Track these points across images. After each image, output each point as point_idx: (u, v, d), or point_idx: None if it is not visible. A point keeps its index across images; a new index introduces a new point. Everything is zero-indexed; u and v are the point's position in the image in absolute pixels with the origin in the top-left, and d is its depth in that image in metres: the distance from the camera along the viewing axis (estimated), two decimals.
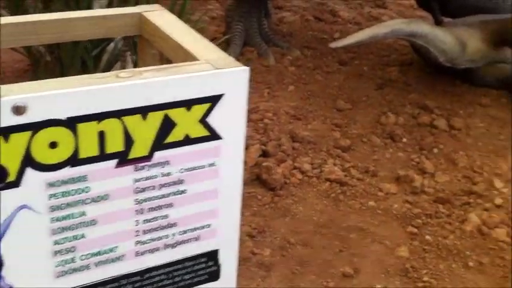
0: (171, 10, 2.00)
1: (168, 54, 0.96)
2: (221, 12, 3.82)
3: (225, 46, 3.24)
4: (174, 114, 0.78)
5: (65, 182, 0.73)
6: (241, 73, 0.82)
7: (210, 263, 0.89)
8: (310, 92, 2.89)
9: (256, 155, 2.33)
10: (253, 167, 2.28)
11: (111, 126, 0.74)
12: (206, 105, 0.80)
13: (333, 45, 2.50)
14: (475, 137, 2.51)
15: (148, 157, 0.77)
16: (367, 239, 1.99)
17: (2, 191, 0.70)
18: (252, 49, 3.24)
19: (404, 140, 2.50)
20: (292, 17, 4.13)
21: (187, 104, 0.78)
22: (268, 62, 3.13)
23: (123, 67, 1.99)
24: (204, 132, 0.81)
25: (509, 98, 2.77)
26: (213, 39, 3.39)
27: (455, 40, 2.64)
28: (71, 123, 0.71)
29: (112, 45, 1.96)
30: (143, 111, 0.75)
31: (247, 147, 2.39)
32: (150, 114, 0.76)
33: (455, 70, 2.81)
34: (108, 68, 1.99)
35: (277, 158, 2.32)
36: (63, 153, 0.72)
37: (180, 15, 2.01)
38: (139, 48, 1.09)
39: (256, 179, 2.24)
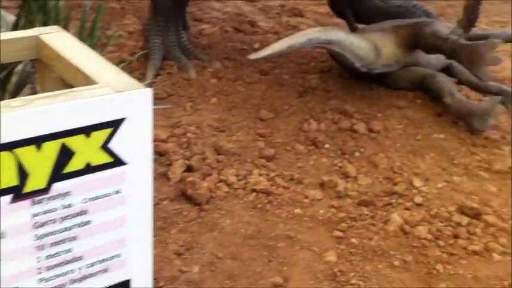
0: (82, 26, 1.94)
1: (68, 78, 0.93)
2: (139, 26, 3.75)
3: (145, 61, 3.19)
4: (72, 142, 0.74)
5: None
6: (143, 95, 0.80)
7: None
8: (233, 104, 2.89)
9: (181, 171, 2.30)
10: (178, 183, 2.25)
11: (3, 159, 0.69)
12: (107, 131, 0.77)
13: (252, 56, 2.51)
14: (393, 139, 2.59)
15: (46, 189, 0.74)
16: (295, 246, 2.00)
17: None
18: (172, 63, 3.21)
19: (327, 145, 2.54)
20: (211, 29, 4.12)
21: (86, 130, 0.75)
22: (189, 75, 3.11)
23: (34, 89, 1.91)
24: (107, 159, 0.78)
25: (424, 99, 2.88)
26: (131, 54, 3.33)
27: (370, 45, 2.72)
28: None
29: (20, 67, 1.88)
30: (37, 141, 0.71)
31: (171, 163, 2.36)
32: (45, 145, 0.72)
33: (372, 75, 2.90)
34: (17, 91, 1.90)
35: (202, 172, 2.30)
36: None
37: (92, 30, 1.95)
38: (39, 72, 1.04)
39: (181, 195, 2.20)
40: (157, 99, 2.87)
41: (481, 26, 4.77)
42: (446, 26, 2.76)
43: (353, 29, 3.18)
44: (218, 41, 3.75)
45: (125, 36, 3.62)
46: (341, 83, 3.05)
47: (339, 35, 2.53)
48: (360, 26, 3.24)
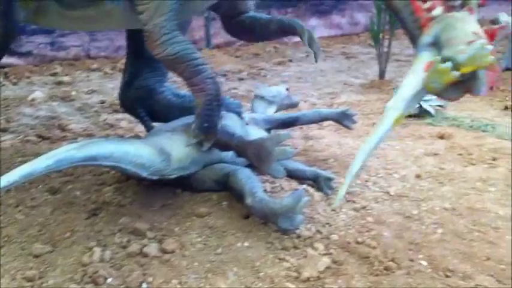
0: None
1: None
2: None
3: None
4: None
5: None
6: None
7: None
8: (6, 239, 2.39)
9: None
10: None
11: None
12: None
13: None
14: (190, 257, 2.21)
15: None
16: None
17: None
18: None
19: (110, 279, 2.10)
20: (11, 141, 3.63)
21: None
22: None
23: None
24: None
25: (230, 200, 2.57)
26: None
27: (153, 151, 2.39)
28: None
29: None
30: None
31: None
32: None
33: (175, 179, 2.55)
34: None
35: None
36: None
37: None
38: None
39: None
40: None
41: (312, 100, 4.70)
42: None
43: (148, 129, 2.84)
44: (10, 156, 3.25)
45: None
46: (139, 193, 2.66)
47: (106, 148, 2.16)
48: (156, 124, 2.92)
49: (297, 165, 2.97)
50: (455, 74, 1.98)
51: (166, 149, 2.44)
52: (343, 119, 3.32)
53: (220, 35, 6.83)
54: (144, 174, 2.35)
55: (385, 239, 2.43)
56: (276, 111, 3.62)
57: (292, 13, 7.07)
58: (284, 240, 2.34)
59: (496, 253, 2.31)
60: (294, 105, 3.74)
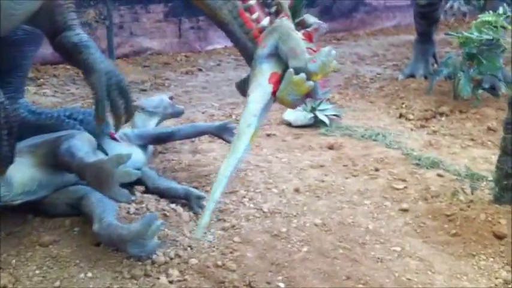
0: None
1: None
2: None
3: None
4: None
5: None
6: None
7: None
8: None
9: None
10: None
11: None
12: None
13: None
14: None
15: None
16: None
17: None
18: None
19: None
20: None
21: None
22: None
23: None
24: None
25: (84, 224, 2.39)
26: None
27: None
28: None
29: None
30: None
31: None
32: None
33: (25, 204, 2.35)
34: None
35: None
36: None
37: None
38: None
39: None
40: None
41: (211, 111, 4.56)
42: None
43: None
44: None
45: None
46: None
47: None
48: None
49: (169, 183, 2.83)
50: (310, 83, 1.91)
51: (6, 174, 2.23)
52: (222, 133, 3.20)
53: (130, 44, 6.62)
54: None
55: (247, 260, 2.32)
56: (160, 122, 3.48)
57: (204, 21, 6.93)
58: (136, 267, 2.18)
59: (357, 271, 2.24)
60: (178, 114, 3.61)
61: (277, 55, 1.97)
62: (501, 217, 2.49)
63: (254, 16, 2.01)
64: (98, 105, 2.44)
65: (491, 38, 3.47)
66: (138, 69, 6.06)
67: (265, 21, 2.01)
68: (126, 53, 6.51)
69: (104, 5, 6.05)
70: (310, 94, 1.94)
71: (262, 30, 2.01)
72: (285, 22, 2.00)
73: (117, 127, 2.58)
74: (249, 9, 2.02)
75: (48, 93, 5.12)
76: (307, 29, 2.06)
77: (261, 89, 1.98)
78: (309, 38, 2.03)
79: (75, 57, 2.52)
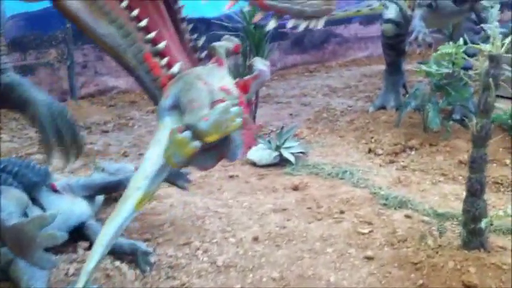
0: None
1: None
2: None
3: None
4: None
5: None
6: None
7: None
8: None
9: None
10: None
11: None
12: None
13: None
14: None
15: None
16: None
17: None
18: None
19: None
20: None
21: None
22: None
23: None
24: None
25: None
26: None
27: None
28: None
29: None
30: None
31: None
32: None
33: None
34: None
35: None
36: None
37: None
38: None
39: None
40: None
41: None
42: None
43: None
44: None
45: None
46: None
47: None
48: None
49: None
50: (196, 144, 1.64)
51: None
52: (176, 179, 2.99)
53: (94, 83, 6.45)
54: None
55: None
56: None
57: None
58: None
59: None
60: None
61: (180, 108, 1.75)
62: (470, 265, 2.31)
63: (164, 61, 1.81)
64: (41, 136, 2.28)
65: (449, 71, 3.35)
66: (102, 109, 5.87)
67: (176, 67, 1.80)
68: (91, 92, 6.33)
69: (65, 45, 5.87)
70: (226, 154, 1.72)
71: (172, 77, 1.80)
72: (196, 70, 1.80)
73: (66, 162, 2.41)
74: (160, 53, 1.82)
75: (5, 138, 4.90)
76: (246, 77, 1.86)
77: (159, 146, 1.75)
78: (243, 87, 1.82)
79: (10, 96, 2.35)
